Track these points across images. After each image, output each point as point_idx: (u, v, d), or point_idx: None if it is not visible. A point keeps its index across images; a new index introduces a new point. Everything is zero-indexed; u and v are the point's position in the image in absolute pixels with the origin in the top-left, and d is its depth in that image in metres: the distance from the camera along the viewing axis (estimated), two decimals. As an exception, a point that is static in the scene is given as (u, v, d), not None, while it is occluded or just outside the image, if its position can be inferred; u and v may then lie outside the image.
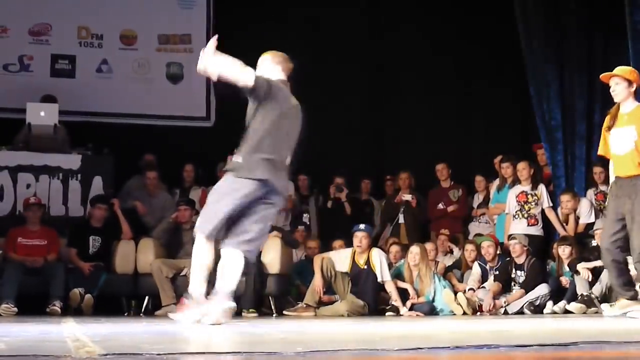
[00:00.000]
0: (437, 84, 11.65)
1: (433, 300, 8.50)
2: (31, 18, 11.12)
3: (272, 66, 5.90)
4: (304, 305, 8.45)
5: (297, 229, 9.93)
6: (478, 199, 10.39)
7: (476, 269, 8.91)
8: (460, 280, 9.07)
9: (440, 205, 10.34)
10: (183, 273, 8.54)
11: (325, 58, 11.31)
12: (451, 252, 9.75)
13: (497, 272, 8.74)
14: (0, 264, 8.49)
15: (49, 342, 3.78)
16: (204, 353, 3.11)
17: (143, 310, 8.75)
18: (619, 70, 6.73)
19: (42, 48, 11.11)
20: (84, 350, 2.97)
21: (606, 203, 8.34)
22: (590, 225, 9.13)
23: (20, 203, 9.10)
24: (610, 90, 6.71)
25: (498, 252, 8.96)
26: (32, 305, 8.21)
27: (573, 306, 8.08)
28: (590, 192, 9.54)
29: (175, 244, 8.94)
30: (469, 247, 9.17)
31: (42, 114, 9.44)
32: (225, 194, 5.62)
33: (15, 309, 7.99)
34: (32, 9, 11.15)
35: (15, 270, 8.30)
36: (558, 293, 8.53)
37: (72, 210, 9.44)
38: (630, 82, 6.62)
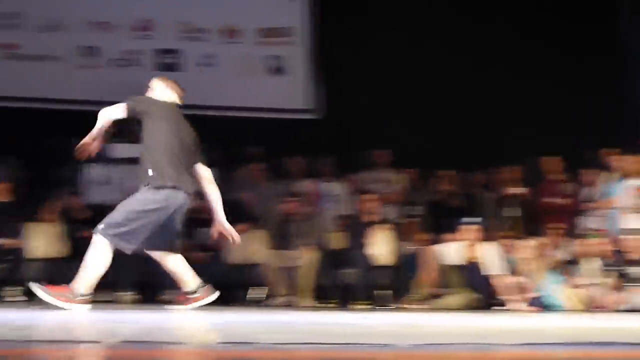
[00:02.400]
0: (545, 78, 11.40)
1: (546, 295, 8.36)
2: (135, 14, 11.35)
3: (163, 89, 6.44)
4: (414, 298, 8.43)
5: (407, 221, 9.88)
6: (589, 192, 10.14)
7: (590, 264, 8.71)
8: (575, 275, 8.88)
9: (552, 199, 10.14)
10: (293, 264, 8.66)
11: (431, 44, 11.22)
12: (564, 246, 9.55)
13: (612, 268, 8.53)
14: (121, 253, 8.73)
15: (169, 330, 3.86)
16: (316, 343, 3.13)
17: (255, 300, 8.86)
18: None
19: (147, 43, 11.31)
20: (202, 338, 3.03)
21: None
22: None
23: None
24: None
25: (612, 247, 8.73)
26: (150, 293, 8.42)
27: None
28: None
29: (285, 235, 9.04)
30: (582, 241, 8.97)
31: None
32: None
33: (135, 296, 8.21)
34: (135, 5, 11.38)
35: (137, 259, 8.52)
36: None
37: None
38: None
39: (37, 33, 10.97)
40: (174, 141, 6.05)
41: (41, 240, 8.82)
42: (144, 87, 10.17)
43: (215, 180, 9.64)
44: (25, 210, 8.85)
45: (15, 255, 8.32)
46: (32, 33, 10.94)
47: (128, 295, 8.22)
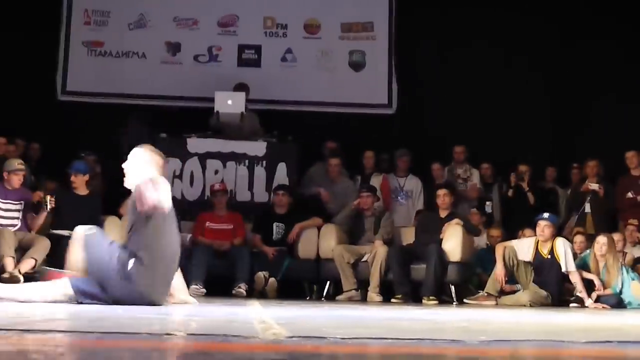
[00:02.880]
0: (624, 69, 11.16)
1: (620, 293, 8.19)
2: (219, 10, 11.48)
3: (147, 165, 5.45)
4: (485, 294, 8.34)
5: (479, 217, 9.79)
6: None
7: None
8: (650, 272, 8.69)
9: (630, 194, 9.92)
10: (364, 259, 8.65)
11: (511, 40, 11.10)
12: (640, 242, 9.36)
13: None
14: (190, 247, 8.84)
15: (237, 323, 3.89)
16: (386, 339, 3.12)
17: (324, 295, 8.89)
18: None
19: (230, 39, 11.43)
20: (271, 332, 3.04)
21: None
22: None
23: (209, 189, 9.44)
24: None
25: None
26: (219, 287, 8.51)
27: None
28: None
29: (357, 230, 9.04)
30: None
31: (230, 102, 9.73)
32: None
33: (204, 290, 8.30)
34: (220, 1, 11.53)
35: (204, 253, 8.62)
36: None
37: (257, 196, 9.69)
38: None
39: (124, 31, 11.18)
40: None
41: (118, 234, 8.95)
42: (226, 83, 10.35)
43: (292, 174, 9.75)
44: (104, 203, 9.00)
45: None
46: (119, 31, 11.15)
47: (199, 289, 8.30)
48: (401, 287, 8.47)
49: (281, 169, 9.70)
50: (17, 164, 8.27)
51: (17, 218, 8.24)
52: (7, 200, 8.20)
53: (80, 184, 8.74)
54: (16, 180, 8.18)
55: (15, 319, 3.64)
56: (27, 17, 10.62)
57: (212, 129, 9.81)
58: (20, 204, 8.26)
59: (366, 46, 11.50)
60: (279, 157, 9.76)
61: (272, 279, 8.50)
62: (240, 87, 10.19)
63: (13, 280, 7.26)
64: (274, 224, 9.08)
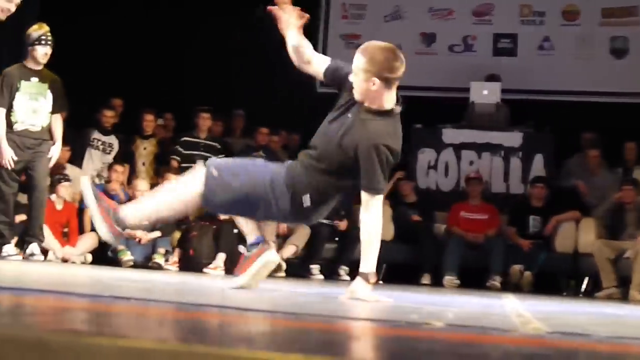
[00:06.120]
0: None
1: None
2: (475, -1, 11.41)
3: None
4: None
5: None
6: None
7: None
8: None
9: None
10: (626, 255, 8.25)
11: None
12: None
13: None
14: (444, 238, 8.87)
15: (493, 316, 3.84)
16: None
17: (582, 291, 8.61)
18: None
19: (485, 28, 11.32)
20: (530, 326, 2.98)
21: None
22: None
23: (463, 180, 9.41)
24: None
25: None
26: (472, 279, 8.47)
27: None
28: None
29: (618, 225, 8.66)
30: None
31: (485, 92, 9.66)
32: None
33: (458, 282, 8.30)
34: (477, -11, 11.45)
35: (458, 245, 8.61)
36: None
37: (512, 188, 9.57)
38: None
39: (379, 23, 11.38)
40: None
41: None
42: (480, 73, 10.26)
43: (549, 166, 9.53)
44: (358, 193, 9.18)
45: (346, 236, 8.66)
46: (375, 24, 11.35)
47: (453, 279, 8.31)
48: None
49: (538, 160, 9.51)
50: None
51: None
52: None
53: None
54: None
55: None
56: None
57: (465, 119, 9.77)
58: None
59: (629, 32, 10.97)
60: (536, 148, 9.58)
61: (527, 273, 8.37)
62: (492, 77, 10.08)
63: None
64: (530, 217, 8.91)
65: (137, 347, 1.61)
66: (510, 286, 8.32)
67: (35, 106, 7.30)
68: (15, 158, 7.12)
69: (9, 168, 7.12)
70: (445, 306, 4.45)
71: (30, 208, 7.30)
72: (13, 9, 6.17)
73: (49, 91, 7.36)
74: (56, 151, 7.43)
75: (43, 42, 7.26)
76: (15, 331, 1.75)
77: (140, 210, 4.36)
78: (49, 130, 7.38)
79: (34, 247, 7.23)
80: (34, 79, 7.32)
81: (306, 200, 4.19)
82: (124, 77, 10.35)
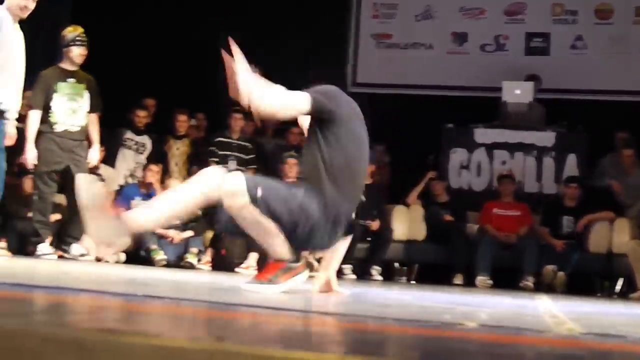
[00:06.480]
0: None
1: None
2: (507, -2, 11.34)
3: None
4: None
5: None
6: None
7: None
8: None
9: None
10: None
11: None
12: None
13: None
14: (476, 238, 8.83)
15: (526, 316, 3.82)
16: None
17: (616, 292, 8.53)
18: None
19: (517, 27, 11.25)
20: (564, 327, 2.96)
21: None
22: None
23: (495, 179, 9.37)
24: None
25: None
26: (505, 279, 8.42)
27: None
28: None
29: (651, 225, 8.59)
30: None
31: (517, 92, 9.61)
32: None
33: (490, 282, 8.26)
34: (508, -12, 11.38)
35: (490, 244, 8.58)
36: None
37: (545, 188, 9.52)
38: None
39: (411, 23, 11.35)
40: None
41: (403, 223, 9.13)
42: (512, 72, 10.19)
43: (582, 166, 9.45)
44: (390, 193, 9.18)
45: (379, 236, 8.67)
46: (406, 23, 11.33)
47: (486, 279, 8.27)
48: None
49: (571, 160, 9.44)
50: None
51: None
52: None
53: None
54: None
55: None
56: (318, 14, 11.02)
57: (498, 119, 9.72)
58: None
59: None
60: (569, 148, 9.52)
61: (560, 273, 8.31)
62: (532, 77, 10.02)
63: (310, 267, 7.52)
64: (564, 217, 8.85)
65: (171, 346, 1.62)
66: (544, 287, 8.27)
67: (74, 107, 7.40)
68: (50, 160, 7.29)
69: (29, 168, 7.30)
70: (478, 307, 4.43)
71: (70, 210, 7.37)
72: (31, 5, 6.23)
73: (85, 91, 7.46)
74: (95, 155, 7.55)
75: (78, 43, 7.35)
76: (53, 329, 1.77)
77: (153, 213, 3.96)
78: (86, 130, 7.48)
79: (78, 248, 7.32)
80: (71, 80, 7.41)
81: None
82: (157, 77, 10.40)
